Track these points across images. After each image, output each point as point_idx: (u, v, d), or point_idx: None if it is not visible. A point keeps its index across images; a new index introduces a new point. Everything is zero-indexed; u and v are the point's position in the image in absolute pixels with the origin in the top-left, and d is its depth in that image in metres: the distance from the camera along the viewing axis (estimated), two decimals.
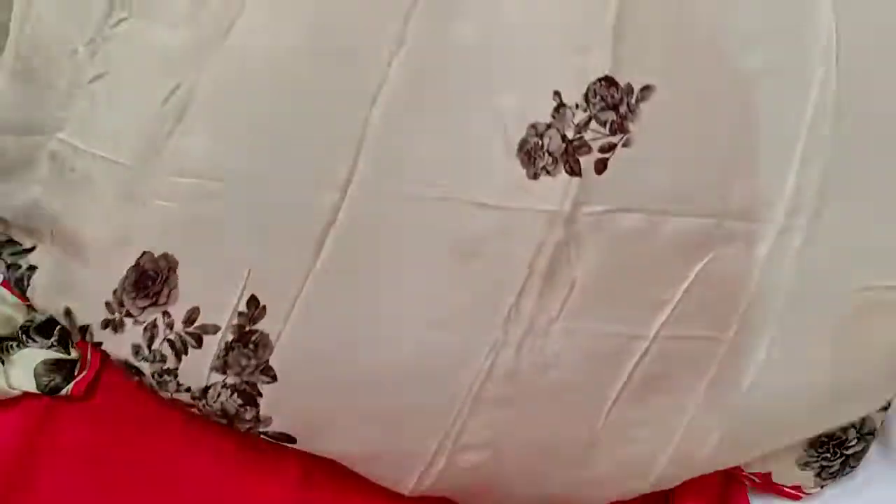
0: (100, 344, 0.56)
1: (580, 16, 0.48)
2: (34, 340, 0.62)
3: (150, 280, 0.54)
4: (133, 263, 0.54)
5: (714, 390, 0.51)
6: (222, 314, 0.52)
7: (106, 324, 0.55)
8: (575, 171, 0.47)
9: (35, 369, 0.61)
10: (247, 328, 0.52)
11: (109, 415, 0.59)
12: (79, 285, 0.56)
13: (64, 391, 0.60)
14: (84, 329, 0.56)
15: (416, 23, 0.48)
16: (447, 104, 0.48)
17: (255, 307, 0.52)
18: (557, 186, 0.47)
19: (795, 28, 0.49)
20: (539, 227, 0.47)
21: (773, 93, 0.49)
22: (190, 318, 0.53)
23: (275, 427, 0.53)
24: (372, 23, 0.48)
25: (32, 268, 0.59)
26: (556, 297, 0.48)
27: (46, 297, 0.58)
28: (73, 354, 0.61)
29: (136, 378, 0.55)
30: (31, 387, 0.60)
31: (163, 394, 0.55)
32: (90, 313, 0.55)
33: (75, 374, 0.61)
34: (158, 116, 0.50)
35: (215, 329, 0.53)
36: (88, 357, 0.60)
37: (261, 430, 0.54)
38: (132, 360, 0.55)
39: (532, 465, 0.52)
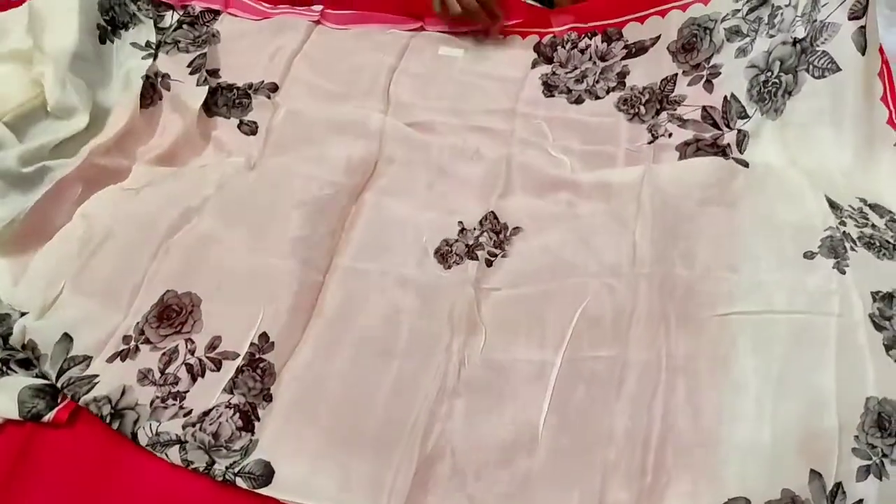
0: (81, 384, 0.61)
1: (485, 179, 0.77)
2: (15, 371, 0.63)
3: (175, 313, 0.66)
4: (156, 301, 0.66)
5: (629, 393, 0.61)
6: (242, 344, 0.64)
7: (115, 356, 0.63)
8: (475, 258, 0.70)
9: (19, 395, 0.61)
10: (256, 356, 0.64)
11: (91, 441, 0.59)
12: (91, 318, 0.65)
13: (46, 417, 0.60)
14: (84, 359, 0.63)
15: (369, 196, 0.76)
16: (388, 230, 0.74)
17: (265, 341, 0.65)
18: (465, 269, 0.69)
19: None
20: (456, 292, 0.67)
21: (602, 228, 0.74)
22: (212, 345, 0.65)
23: (258, 455, 0.59)
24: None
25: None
26: (476, 339, 0.65)
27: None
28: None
29: (109, 419, 0.60)
30: (13, 413, 0.60)
31: (144, 433, 0.59)
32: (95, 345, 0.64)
33: (58, 400, 0.61)
34: None
35: (235, 356, 0.64)
36: None
37: (243, 466, 0.58)
38: (132, 386, 0.61)
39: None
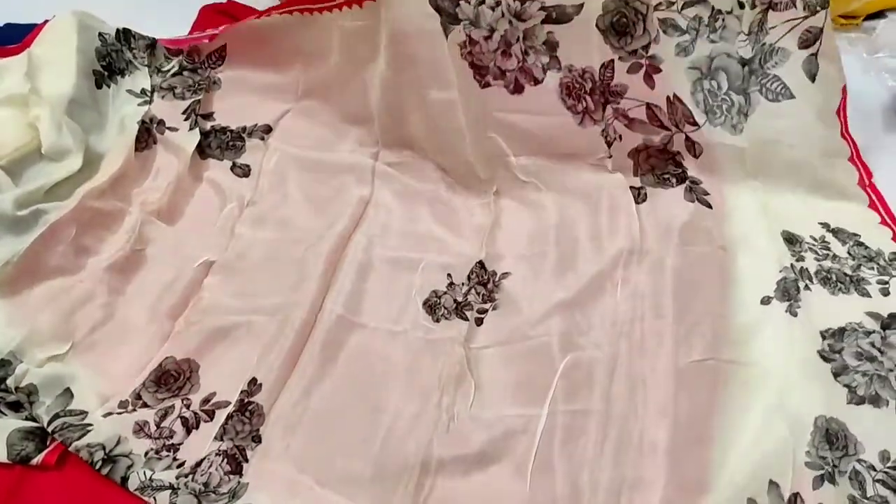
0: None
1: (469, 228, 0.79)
2: (4, 414, 0.63)
3: (173, 378, 0.68)
4: (155, 367, 0.68)
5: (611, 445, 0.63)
6: (234, 393, 0.66)
7: (109, 415, 0.64)
8: (464, 318, 0.72)
9: (8, 438, 0.61)
10: (245, 400, 0.65)
11: (80, 485, 0.60)
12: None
13: (35, 460, 0.60)
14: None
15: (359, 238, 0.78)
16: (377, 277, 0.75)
17: (254, 384, 0.66)
18: (454, 325, 0.71)
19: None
20: (446, 349, 0.69)
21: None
22: (206, 399, 0.66)
23: (246, 499, 0.60)
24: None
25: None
26: (465, 395, 0.66)
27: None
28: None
29: (101, 464, 0.60)
30: (1, 456, 0.60)
31: (136, 477, 0.60)
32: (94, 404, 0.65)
33: (48, 443, 0.61)
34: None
35: (227, 404, 0.65)
36: None
37: None
38: (125, 438, 0.62)
39: None
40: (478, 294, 0.73)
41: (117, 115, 0.85)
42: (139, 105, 0.87)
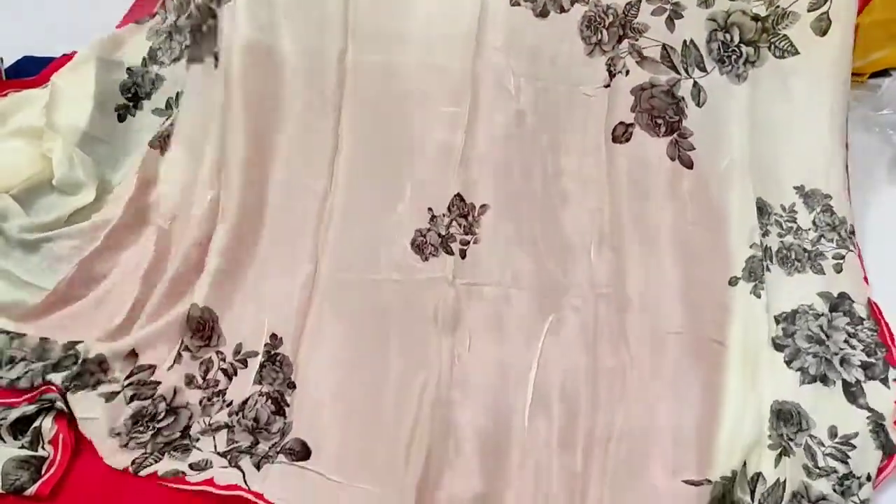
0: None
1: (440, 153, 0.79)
2: (3, 440, 0.65)
3: (201, 326, 0.76)
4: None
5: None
6: (258, 344, 0.76)
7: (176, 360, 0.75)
8: (450, 252, 0.77)
9: (3, 467, 0.62)
10: (272, 352, 0.76)
11: None
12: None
13: (29, 491, 0.61)
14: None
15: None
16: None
17: (275, 338, 0.76)
18: (441, 262, 0.76)
19: None
20: (436, 293, 0.75)
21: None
22: (237, 350, 0.76)
23: (295, 434, 0.71)
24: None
25: None
26: (463, 337, 0.74)
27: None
28: (42, 452, 0.64)
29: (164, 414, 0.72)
30: None
31: (199, 423, 0.71)
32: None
33: (42, 472, 0.62)
34: None
35: (255, 354, 0.76)
36: (58, 456, 0.64)
37: (283, 444, 0.70)
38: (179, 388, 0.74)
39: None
40: (459, 227, 0.78)
41: (141, 143, 0.85)
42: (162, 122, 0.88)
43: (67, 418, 0.68)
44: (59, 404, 0.68)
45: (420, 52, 0.80)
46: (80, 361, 0.74)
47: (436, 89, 0.79)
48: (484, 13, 0.79)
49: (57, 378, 0.72)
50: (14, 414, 0.65)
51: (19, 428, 0.65)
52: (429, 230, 0.78)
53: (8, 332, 0.75)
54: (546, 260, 0.77)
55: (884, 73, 0.96)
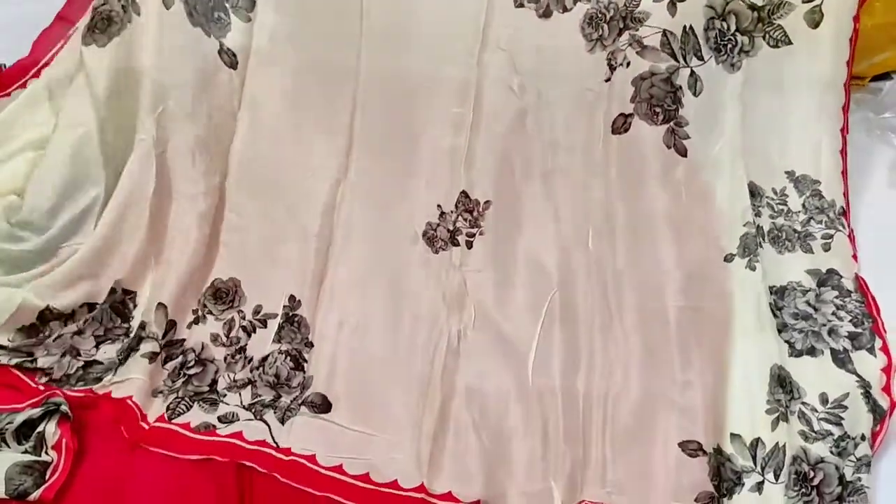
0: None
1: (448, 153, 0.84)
2: (7, 445, 0.65)
3: (225, 294, 0.82)
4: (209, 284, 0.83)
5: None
6: (277, 306, 0.81)
7: (195, 321, 0.80)
8: (457, 244, 0.83)
9: (6, 472, 0.61)
10: (290, 313, 0.81)
11: None
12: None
13: (33, 496, 0.60)
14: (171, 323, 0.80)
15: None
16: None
17: (293, 300, 0.81)
18: (450, 254, 0.82)
19: None
20: (444, 276, 0.81)
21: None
22: (256, 311, 0.81)
23: (315, 389, 0.77)
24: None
25: None
26: (466, 314, 0.80)
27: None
28: (45, 457, 0.64)
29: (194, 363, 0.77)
30: None
31: (224, 378, 0.77)
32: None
33: (46, 477, 0.62)
34: None
35: (274, 315, 0.81)
36: (61, 461, 0.64)
37: (304, 398, 0.76)
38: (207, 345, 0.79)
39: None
40: (465, 221, 0.83)
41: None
42: None
43: (71, 423, 0.68)
44: (64, 408, 0.68)
45: (426, 54, 0.84)
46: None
47: (441, 90, 0.84)
48: (489, 16, 0.83)
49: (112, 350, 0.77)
50: (20, 418, 0.65)
51: (23, 433, 0.65)
52: (438, 225, 0.84)
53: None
54: (546, 248, 0.82)
55: (885, 76, 0.99)
